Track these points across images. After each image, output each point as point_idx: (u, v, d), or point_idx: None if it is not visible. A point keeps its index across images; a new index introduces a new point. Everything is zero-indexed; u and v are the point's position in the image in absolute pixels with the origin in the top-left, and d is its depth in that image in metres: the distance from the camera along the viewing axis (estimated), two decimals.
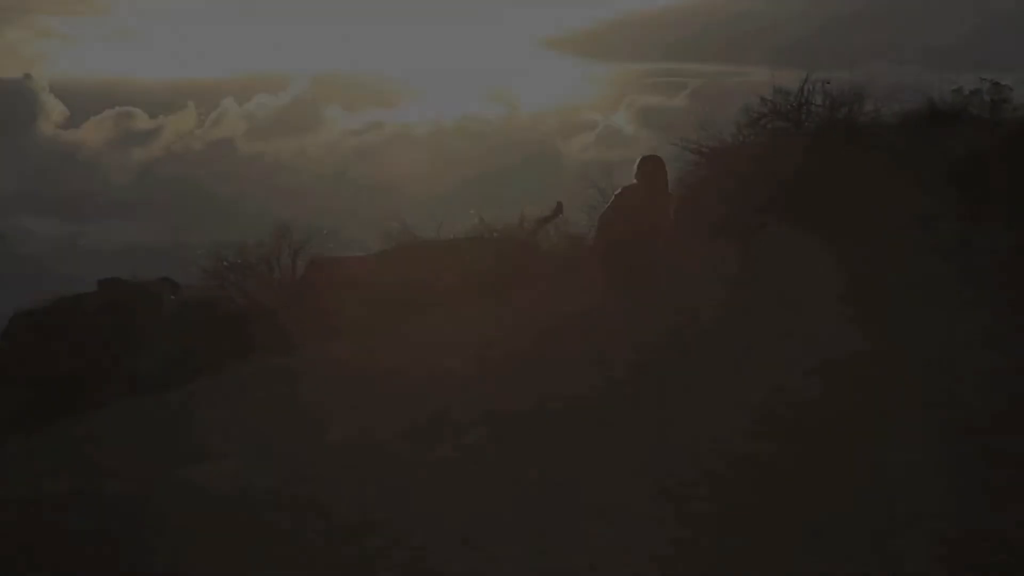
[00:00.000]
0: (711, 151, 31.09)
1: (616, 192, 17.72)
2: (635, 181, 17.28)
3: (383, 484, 13.16)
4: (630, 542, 11.23)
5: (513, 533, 11.54)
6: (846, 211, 24.79)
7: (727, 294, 19.87)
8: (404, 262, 31.26)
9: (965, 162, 26.29)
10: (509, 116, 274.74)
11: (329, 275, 33.01)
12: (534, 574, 10.83)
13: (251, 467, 14.06)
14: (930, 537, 10.91)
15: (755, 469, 12.91)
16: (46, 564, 11.66)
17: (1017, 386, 15.05)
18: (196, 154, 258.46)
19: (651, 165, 17.31)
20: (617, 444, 14.00)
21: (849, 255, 22.10)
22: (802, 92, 31.71)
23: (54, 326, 33.08)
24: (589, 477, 12.96)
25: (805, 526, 11.36)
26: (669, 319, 18.46)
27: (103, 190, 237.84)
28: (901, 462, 12.71)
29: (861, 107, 31.31)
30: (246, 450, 14.90)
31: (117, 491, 13.35)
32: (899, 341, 17.51)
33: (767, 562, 10.75)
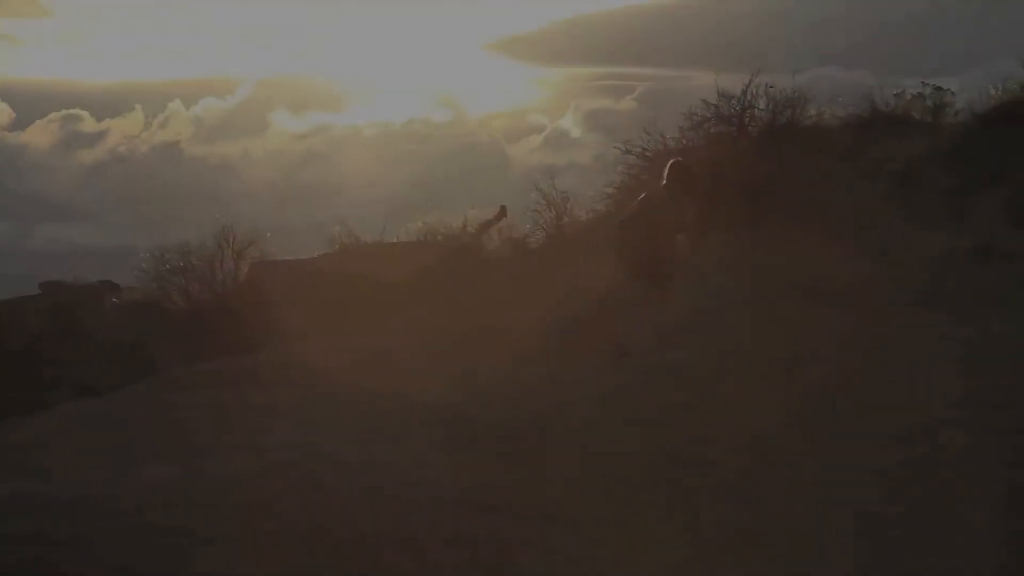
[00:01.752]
0: (654, 155, 31.20)
1: (640, 196, 17.82)
2: (663, 185, 17.42)
3: (331, 488, 13.12)
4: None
5: (465, 537, 11.51)
6: (789, 214, 24.90)
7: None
8: (347, 265, 31.25)
9: (908, 165, 26.46)
10: (456, 119, 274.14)
11: (271, 278, 32.97)
12: None
13: (195, 470, 13.98)
14: None
15: None
16: None
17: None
18: (142, 157, 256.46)
19: (677, 172, 17.44)
20: (560, 448, 14.02)
21: (792, 257, 22.19)
22: (745, 96, 31.86)
23: None
24: (536, 481, 12.97)
25: None
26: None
27: (49, 192, 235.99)
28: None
29: (804, 111, 31.52)
30: (189, 453, 14.81)
31: (60, 494, 13.26)
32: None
33: None
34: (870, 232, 24.35)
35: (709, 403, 15.41)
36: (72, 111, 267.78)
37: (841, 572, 10.27)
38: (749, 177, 27.04)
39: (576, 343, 19.29)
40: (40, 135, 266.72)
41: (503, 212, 35.14)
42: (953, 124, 30.33)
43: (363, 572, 10.76)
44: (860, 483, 12.25)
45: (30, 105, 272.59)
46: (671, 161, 17.80)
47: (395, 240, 34.61)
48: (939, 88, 32.37)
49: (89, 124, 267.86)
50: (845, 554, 10.56)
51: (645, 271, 17.46)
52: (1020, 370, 15.86)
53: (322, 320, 25.25)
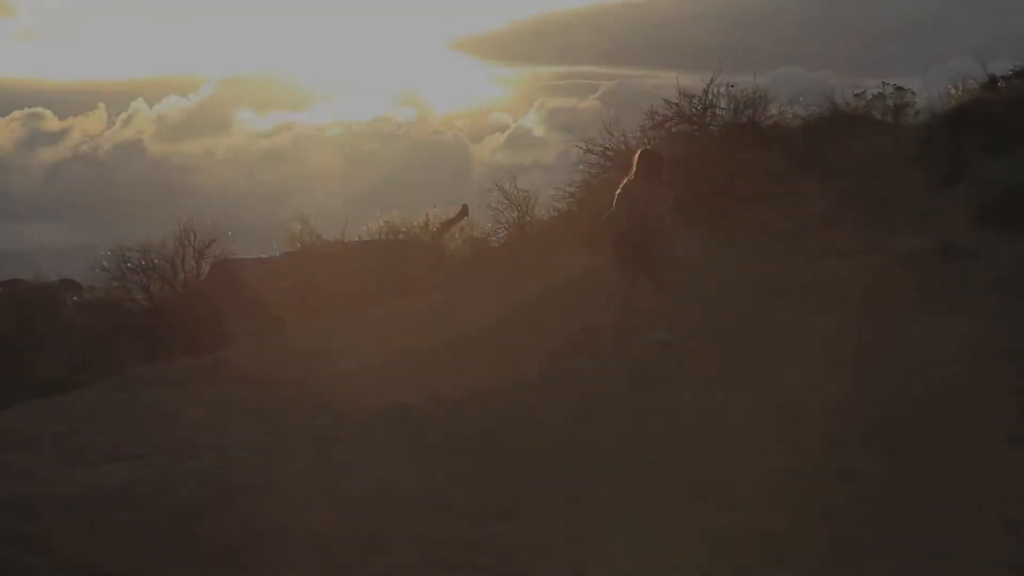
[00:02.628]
0: (616, 154, 31.24)
1: (618, 189, 17.90)
2: (634, 175, 17.55)
3: (291, 487, 13.09)
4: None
5: (426, 537, 11.50)
6: (749, 213, 24.97)
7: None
8: (308, 264, 31.21)
9: (868, 165, 26.56)
10: (420, 118, 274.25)
11: (232, 277, 32.90)
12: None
13: (155, 469, 13.93)
14: None
15: None
16: None
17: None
18: (105, 155, 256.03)
19: (647, 160, 17.57)
20: (519, 448, 14.02)
21: (752, 257, 22.26)
22: (706, 95, 31.94)
23: None
24: (495, 481, 12.97)
25: None
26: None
27: (10, 192, 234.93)
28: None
29: (765, 110, 31.60)
30: (149, 451, 14.75)
31: (18, 491, 13.19)
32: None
33: None
34: (831, 232, 24.43)
35: (671, 402, 15.44)
36: (35, 109, 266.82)
37: None
38: (710, 176, 27.09)
39: (536, 341, 19.30)
40: (2, 134, 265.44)
41: (465, 211, 35.17)
42: (914, 124, 30.48)
43: (324, 571, 10.75)
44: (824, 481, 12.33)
45: None
46: (639, 151, 17.91)
47: (356, 239, 34.57)
48: (899, 88, 32.58)
49: (52, 123, 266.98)
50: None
51: (637, 262, 17.54)
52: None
53: (283, 319, 25.21)
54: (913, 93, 32.43)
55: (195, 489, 12.97)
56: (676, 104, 32.01)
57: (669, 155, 19.20)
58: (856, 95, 32.25)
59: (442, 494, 12.48)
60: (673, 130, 31.94)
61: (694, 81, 32.56)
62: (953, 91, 30.28)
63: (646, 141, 31.25)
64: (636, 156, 17.85)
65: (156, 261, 36.57)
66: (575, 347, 18.73)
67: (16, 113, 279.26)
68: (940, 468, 12.58)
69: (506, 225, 34.24)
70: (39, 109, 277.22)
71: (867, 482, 12.27)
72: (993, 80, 29.70)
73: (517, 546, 11.07)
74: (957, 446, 13.22)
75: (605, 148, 31.94)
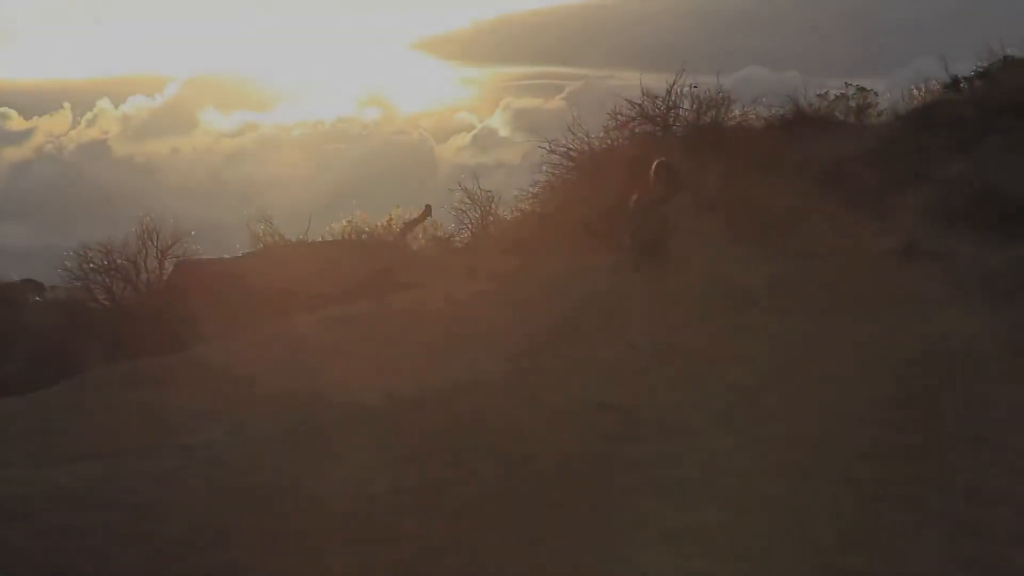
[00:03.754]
0: (579, 154, 31.30)
1: (634, 197, 18.05)
2: (651, 186, 17.74)
3: (255, 487, 13.06)
4: None
5: (391, 537, 11.48)
6: (712, 213, 25.01)
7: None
8: (270, 264, 31.13)
9: (831, 165, 26.64)
10: (384, 118, 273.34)
11: (195, 277, 32.80)
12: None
13: (119, 470, 13.88)
14: None
15: None
16: None
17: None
18: (69, 155, 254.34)
19: (664, 171, 17.77)
20: (483, 449, 14.02)
21: (714, 257, 22.32)
22: (669, 96, 31.99)
23: None
24: (459, 482, 12.96)
25: None
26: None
27: None
28: None
29: (728, 111, 31.67)
30: (112, 452, 14.71)
31: None
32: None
33: None
34: (793, 232, 24.51)
35: (633, 401, 15.46)
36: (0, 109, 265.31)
37: None
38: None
39: (500, 343, 19.33)
40: None
41: (428, 211, 35.19)
42: (876, 124, 30.59)
43: (289, 571, 10.72)
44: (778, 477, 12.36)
45: None
46: (657, 161, 18.14)
47: (319, 239, 34.56)
48: (862, 88, 32.72)
49: (16, 122, 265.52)
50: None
51: (649, 252, 17.76)
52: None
53: (245, 319, 25.13)
54: (876, 94, 32.59)
55: (158, 490, 12.93)
56: (639, 105, 32.08)
57: (682, 164, 19.38)
58: (819, 96, 32.39)
59: (408, 494, 12.47)
60: (636, 130, 31.99)
61: (662, 81, 32.64)
62: (916, 92, 30.44)
63: (609, 141, 31.33)
64: (653, 167, 18.01)
65: (118, 261, 36.44)
66: (537, 348, 18.77)
67: None
68: (914, 468, 12.66)
69: (469, 225, 34.29)
70: (4, 109, 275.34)
71: (827, 482, 12.32)
72: (956, 81, 29.86)
73: (484, 547, 11.06)
74: (917, 446, 13.29)
75: (568, 149, 31.98)
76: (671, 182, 17.75)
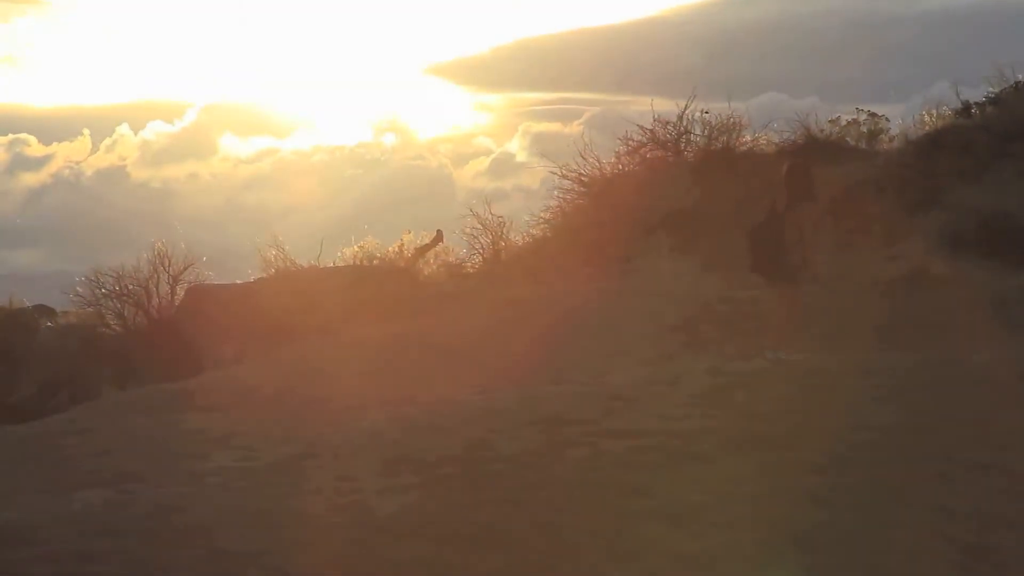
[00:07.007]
0: (590, 179, 31.31)
1: (768, 210, 17.93)
2: (784, 194, 17.55)
3: (263, 513, 13.06)
4: None
5: (396, 562, 11.48)
6: (722, 238, 25.00)
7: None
8: (282, 289, 31.11)
9: (842, 191, 26.60)
10: (403, 144, 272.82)
11: (206, 302, 32.80)
12: None
13: (129, 496, 13.89)
14: None
15: None
16: None
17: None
18: (87, 180, 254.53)
19: (794, 173, 17.55)
20: (492, 474, 14.03)
21: (723, 282, 22.31)
22: (681, 121, 31.96)
23: None
24: (466, 506, 12.95)
25: None
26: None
27: None
28: None
29: (740, 137, 31.61)
30: (123, 478, 14.71)
31: None
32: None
33: None
34: (802, 257, 24.47)
35: (642, 427, 15.46)
36: (19, 135, 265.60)
37: None
38: (683, 201, 27.19)
39: (512, 368, 19.34)
40: None
41: (440, 236, 35.14)
42: (888, 150, 30.53)
43: None
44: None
45: None
46: (787, 164, 17.82)
47: (331, 264, 34.52)
48: (873, 114, 32.63)
49: (35, 148, 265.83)
50: None
51: (773, 268, 17.54)
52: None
53: (256, 345, 25.15)
54: (887, 119, 32.51)
55: (169, 516, 12.94)
56: (651, 130, 32.05)
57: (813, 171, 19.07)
58: (830, 121, 32.32)
59: (415, 519, 12.48)
60: (648, 156, 31.97)
61: (681, 107, 32.57)
62: (928, 117, 30.37)
63: (621, 167, 31.32)
64: (785, 169, 17.66)
65: (130, 287, 36.43)
66: (544, 373, 18.80)
67: (0, 139, 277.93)
68: (923, 493, 12.65)
69: (481, 250, 34.24)
70: (23, 135, 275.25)
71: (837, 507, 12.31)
72: (967, 107, 29.82)
73: (489, 572, 11.06)
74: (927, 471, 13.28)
75: (580, 174, 31.96)
76: (803, 189, 17.36)
